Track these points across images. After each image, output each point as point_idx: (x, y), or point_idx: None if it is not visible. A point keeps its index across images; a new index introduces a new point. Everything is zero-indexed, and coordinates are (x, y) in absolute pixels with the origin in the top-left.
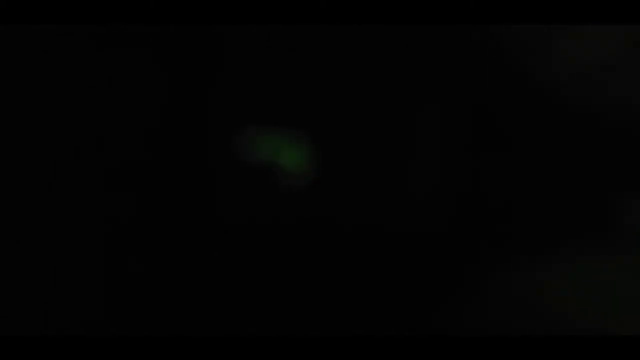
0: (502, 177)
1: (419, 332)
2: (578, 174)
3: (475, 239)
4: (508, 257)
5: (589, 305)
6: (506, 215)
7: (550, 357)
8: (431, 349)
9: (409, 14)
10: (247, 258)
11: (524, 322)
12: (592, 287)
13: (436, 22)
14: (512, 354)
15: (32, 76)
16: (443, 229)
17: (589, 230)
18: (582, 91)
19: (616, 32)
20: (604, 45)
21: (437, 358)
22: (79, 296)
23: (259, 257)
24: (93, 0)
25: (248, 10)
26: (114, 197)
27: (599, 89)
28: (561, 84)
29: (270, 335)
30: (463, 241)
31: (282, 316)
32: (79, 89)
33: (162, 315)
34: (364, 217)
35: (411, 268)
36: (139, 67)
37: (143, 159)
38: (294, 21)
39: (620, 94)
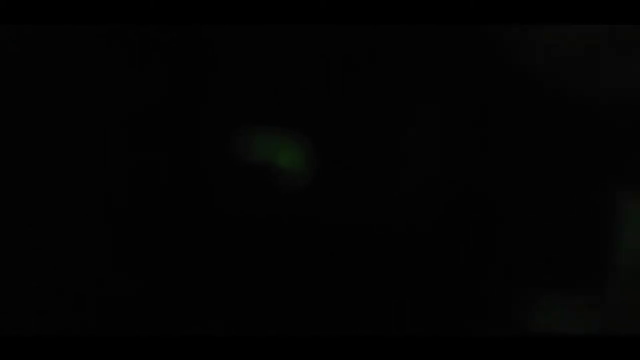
0: (502, 176)
1: (417, 332)
2: (578, 173)
3: (478, 238)
4: (510, 258)
5: (587, 307)
6: (510, 217)
7: (550, 357)
8: (429, 349)
9: (409, 14)
10: (244, 257)
11: (524, 323)
12: (591, 290)
13: (436, 22)
14: (511, 354)
15: (31, 76)
16: (442, 229)
17: (587, 231)
18: (582, 92)
19: (615, 31)
20: (604, 44)
21: (435, 358)
22: (78, 296)
23: (257, 256)
24: (87, 1)
25: (247, 10)
26: (112, 196)
27: (600, 90)
28: (560, 85)
29: (268, 334)
30: (463, 240)
31: (281, 315)
32: (75, 89)
33: (161, 315)
34: (362, 216)
35: (408, 267)
36: (137, 66)
37: (139, 158)
38: (293, 21)
39: (624, 94)
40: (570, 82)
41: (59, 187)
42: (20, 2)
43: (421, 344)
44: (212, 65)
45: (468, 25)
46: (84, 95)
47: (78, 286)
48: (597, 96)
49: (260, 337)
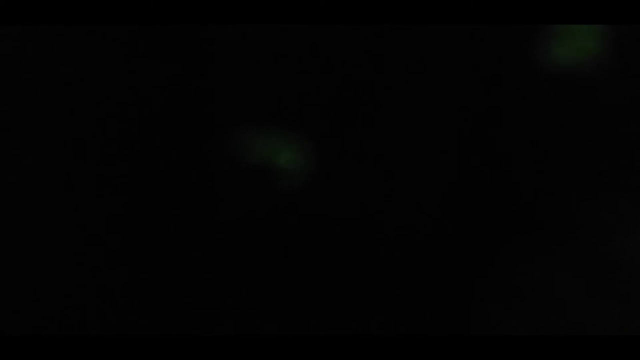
0: (501, 176)
1: (415, 332)
2: (578, 174)
3: (477, 237)
4: (508, 256)
5: (587, 304)
6: (507, 215)
7: (548, 357)
8: (428, 348)
9: (410, 14)
10: (244, 256)
11: (526, 322)
12: (592, 286)
13: (436, 22)
14: (509, 354)
15: (31, 76)
16: (442, 229)
17: (586, 233)
18: (580, 91)
19: (614, 31)
20: (603, 44)
21: (434, 357)
22: (78, 296)
23: (256, 256)
24: (87, 1)
25: (246, 10)
26: (112, 196)
27: (599, 89)
28: (561, 85)
29: (268, 334)
30: (462, 240)
31: (281, 315)
32: (74, 89)
33: (161, 314)
34: (362, 216)
35: (408, 266)
36: (137, 66)
37: (139, 158)
38: (293, 21)
39: (624, 94)
40: (571, 82)
41: (58, 187)
42: (20, 2)
43: (421, 343)
44: (212, 65)
45: (468, 25)
46: (83, 95)
47: (78, 286)
48: (599, 96)
49: (260, 336)
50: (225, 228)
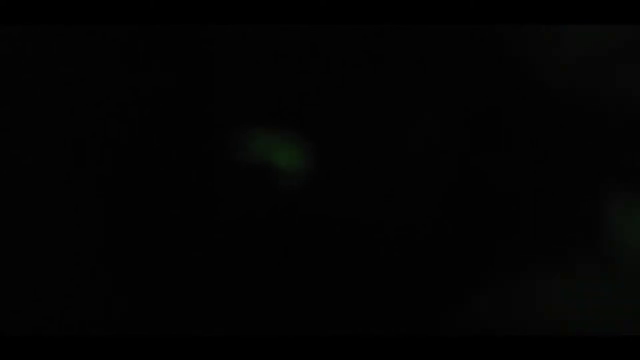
0: (501, 176)
1: (415, 332)
2: (578, 174)
3: (477, 237)
4: (507, 256)
5: (588, 304)
6: (507, 215)
7: (549, 358)
8: (428, 348)
9: (410, 14)
10: (244, 256)
11: (527, 322)
12: (593, 286)
13: (436, 22)
14: (509, 354)
15: (29, 76)
16: (443, 229)
17: (586, 233)
18: (583, 92)
19: (617, 32)
20: (605, 45)
21: (434, 357)
22: (78, 296)
23: (256, 256)
24: (87, 1)
25: (246, 10)
26: (112, 196)
27: (601, 90)
28: (561, 86)
29: (268, 334)
30: (462, 240)
31: (281, 315)
32: (76, 88)
33: (160, 314)
34: (362, 216)
35: (408, 266)
36: (137, 66)
37: (139, 158)
38: (293, 21)
39: (624, 94)
40: (571, 82)
41: (59, 187)
42: (20, 2)
43: (421, 343)
44: (212, 65)
45: (468, 25)
46: (83, 95)
47: (78, 286)
48: (599, 97)
49: (260, 336)
50: (225, 228)
